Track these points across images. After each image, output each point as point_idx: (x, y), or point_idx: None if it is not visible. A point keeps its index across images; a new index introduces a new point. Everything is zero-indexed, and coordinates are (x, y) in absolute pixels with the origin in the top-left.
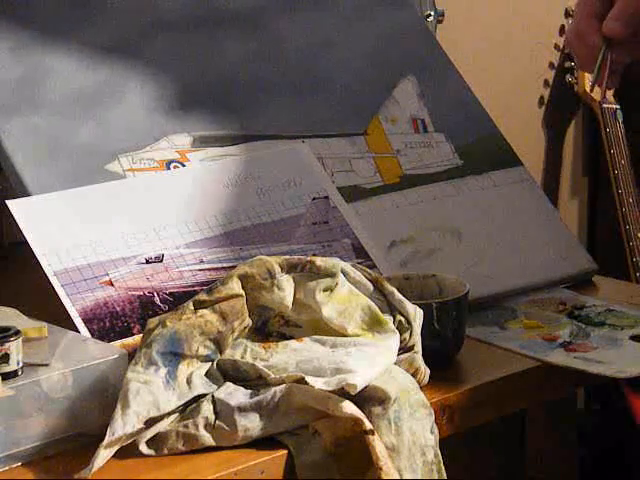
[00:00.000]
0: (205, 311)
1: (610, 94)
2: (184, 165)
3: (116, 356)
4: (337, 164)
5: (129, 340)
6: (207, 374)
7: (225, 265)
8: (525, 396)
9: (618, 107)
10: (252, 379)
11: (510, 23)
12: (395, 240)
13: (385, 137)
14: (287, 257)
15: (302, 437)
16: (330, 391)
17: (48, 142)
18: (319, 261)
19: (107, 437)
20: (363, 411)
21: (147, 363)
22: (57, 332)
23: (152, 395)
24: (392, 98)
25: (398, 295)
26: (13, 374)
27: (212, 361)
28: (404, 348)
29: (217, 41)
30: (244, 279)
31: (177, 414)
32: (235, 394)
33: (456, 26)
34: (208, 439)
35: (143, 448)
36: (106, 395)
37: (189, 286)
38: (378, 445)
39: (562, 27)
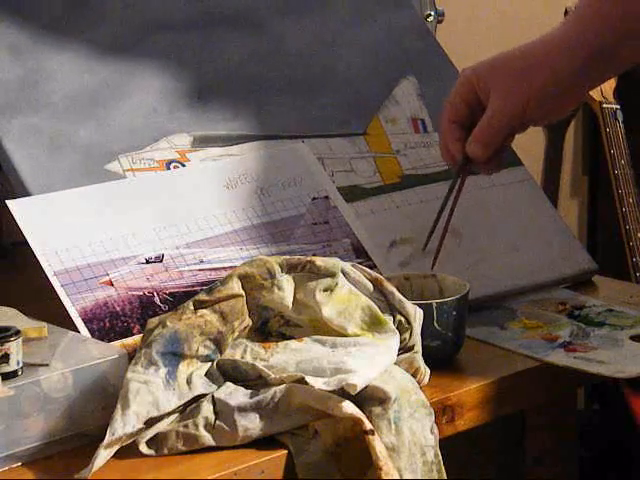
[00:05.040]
0: (205, 311)
1: (610, 94)
2: (184, 165)
3: (116, 356)
4: (337, 164)
5: (129, 340)
6: (207, 374)
7: (225, 265)
8: (525, 396)
9: (618, 107)
10: (252, 379)
11: (510, 23)
12: (395, 240)
13: (385, 137)
14: (287, 257)
15: (302, 437)
16: (330, 391)
17: (48, 142)
18: (319, 261)
19: (107, 437)
20: (363, 411)
21: (147, 363)
22: (57, 332)
23: (152, 395)
24: (392, 98)
25: (398, 295)
26: (13, 374)
27: (212, 361)
28: (404, 348)
29: (217, 41)
30: (244, 279)
31: (177, 414)
32: (235, 394)
33: (456, 26)
34: (208, 439)
35: (143, 448)
36: (106, 395)
37: (189, 286)
38: (378, 445)
39: None
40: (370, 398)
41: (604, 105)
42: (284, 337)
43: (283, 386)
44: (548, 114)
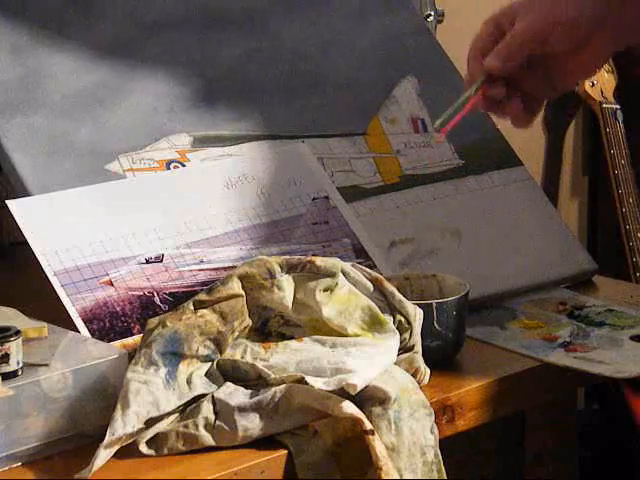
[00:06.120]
0: (205, 311)
1: (610, 94)
2: (184, 165)
3: (116, 356)
4: (337, 164)
5: (129, 340)
6: (207, 374)
7: (225, 265)
8: (525, 396)
9: (618, 107)
10: (252, 379)
11: None
12: (395, 240)
13: (385, 137)
14: (287, 257)
15: (302, 437)
16: (330, 391)
17: (48, 142)
18: (319, 261)
19: (107, 437)
20: (363, 411)
21: (147, 363)
22: (57, 332)
23: (152, 395)
24: (392, 98)
25: (398, 295)
26: (13, 374)
27: (212, 361)
28: (404, 348)
29: (217, 41)
30: (244, 279)
31: (177, 414)
32: (235, 394)
33: (456, 26)
34: (208, 439)
35: (143, 448)
36: (106, 395)
37: (189, 286)
38: (378, 445)
39: None
40: (370, 398)
41: (604, 105)
42: (284, 337)
43: (283, 386)
44: (574, 51)
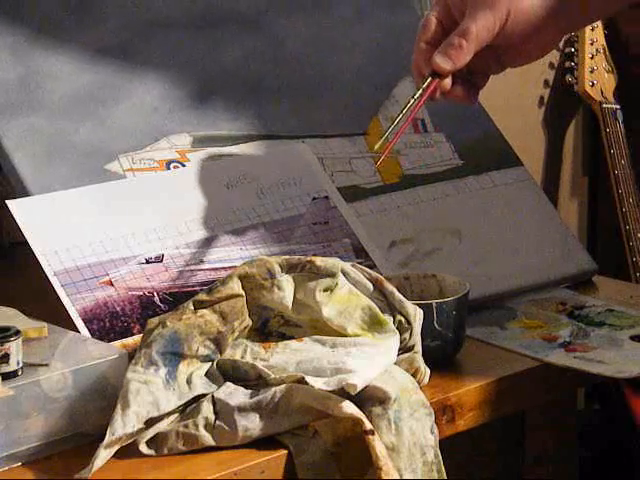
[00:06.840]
0: (205, 311)
1: (610, 94)
2: (184, 165)
3: (116, 356)
4: (337, 164)
5: (129, 340)
6: (207, 374)
7: (225, 265)
8: (525, 396)
9: (618, 107)
10: (252, 379)
11: None
12: (395, 240)
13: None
14: (287, 257)
15: (302, 437)
16: (330, 391)
17: (48, 142)
18: (319, 261)
19: (107, 437)
20: (363, 411)
21: (147, 363)
22: (57, 332)
23: (152, 395)
24: (392, 98)
25: (398, 295)
26: (13, 374)
27: (212, 361)
28: (404, 348)
29: (217, 41)
30: (244, 279)
31: (177, 414)
32: (235, 394)
33: None
34: (208, 439)
35: (143, 448)
36: (106, 395)
37: (189, 286)
38: (378, 445)
39: None
40: (370, 398)
41: (604, 105)
42: (284, 337)
43: (283, 386)
44: (524, 39)
